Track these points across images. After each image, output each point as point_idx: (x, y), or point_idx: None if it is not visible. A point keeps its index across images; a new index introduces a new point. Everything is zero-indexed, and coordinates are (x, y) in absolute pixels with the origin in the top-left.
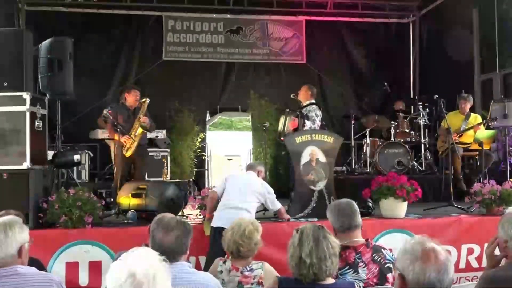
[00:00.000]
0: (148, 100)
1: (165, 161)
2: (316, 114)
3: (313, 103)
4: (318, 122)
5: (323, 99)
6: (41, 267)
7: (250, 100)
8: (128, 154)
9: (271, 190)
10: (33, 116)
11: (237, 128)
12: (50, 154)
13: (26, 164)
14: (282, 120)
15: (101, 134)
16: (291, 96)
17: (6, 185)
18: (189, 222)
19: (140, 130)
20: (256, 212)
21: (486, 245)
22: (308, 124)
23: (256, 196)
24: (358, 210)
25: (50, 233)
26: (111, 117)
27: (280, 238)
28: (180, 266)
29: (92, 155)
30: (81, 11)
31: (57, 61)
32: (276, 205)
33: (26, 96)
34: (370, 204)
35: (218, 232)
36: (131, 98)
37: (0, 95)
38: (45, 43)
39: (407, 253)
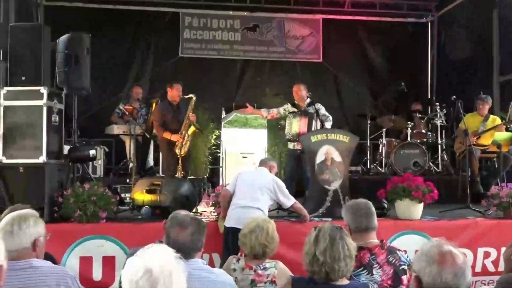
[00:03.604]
0: (194, 97)
1: (179, 158)
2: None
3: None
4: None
5: (339, 98)
6: (53, 262)
7: (266, 98)
8: (182, 153)
9: (283, 184)
10: (50, 110)
11: (252, 126)
12: (66, 148)
13: (42, 158)
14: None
15: (117, 129)
16: (307, 94)
17: (22, 178)
18: (203, 220)
19: (192, 128)
20: (270, 210)
21: (503, 249)
22: (327, 124)
23: (267, 193)
24: (375, 212)
25: (64, 228)
26: (127, 113)
27: (294, 237)
28: (194, 263)
29: (107, 150)
30: (98, 7)
31: (74, 56)
32: (289, 200)
33: (44, 90)
34: (385, 205)
35: (231, 231)
36: (174, 93)
37: (18, 89)
38: (63, 38)
39: (424, 255)
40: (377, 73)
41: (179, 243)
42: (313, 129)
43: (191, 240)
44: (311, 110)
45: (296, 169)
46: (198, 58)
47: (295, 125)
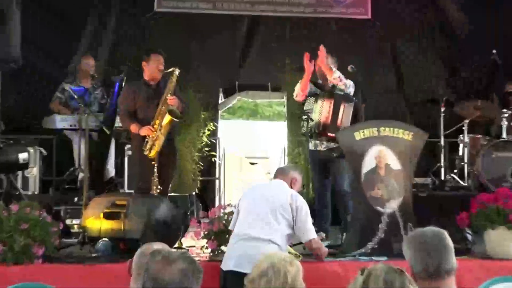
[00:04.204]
0: (177, 71)
1: (155, 164)
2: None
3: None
4: None
5: (398, 74)
6: None
7: (285, 73)
8: (152, 154)
9: (305, 207)
10: None
11: (264, 115)
12: None
13: None
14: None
15: (60, 122)
16: (349, 68)
17: None
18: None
19: (168, 118)
20: (293, 245)
21: None
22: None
23: (284, 218)
24: (451, 246)
25: None
26: (76, 96)
27: (330, 284)
28: None
29: (45, 153)
30: None
31: None
32: (308, 232)
33: None
34: (469, 237)
35: (230, 277)
36: (151, 68)
37: None
38: None
39: None
40: (455, 36)
41: (163, 282)
42: (340, 117)
43: (180, 279)
44: (338, 90)
45: (326, 181)
46: (183, 14)
47: (316, 113)
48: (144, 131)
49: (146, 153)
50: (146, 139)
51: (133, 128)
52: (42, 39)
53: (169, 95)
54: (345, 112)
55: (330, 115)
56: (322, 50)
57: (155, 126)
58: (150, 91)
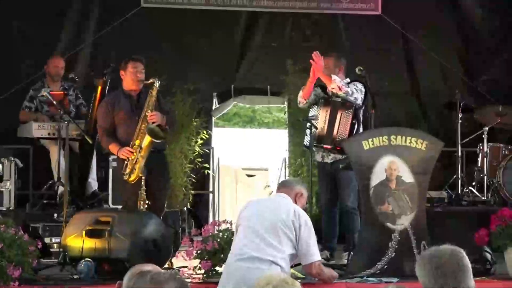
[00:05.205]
0: (157, 83)
1: (142, 177)
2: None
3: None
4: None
5: (411, 75)
6: None
7: (287, 76)
8: (132, 178)
9: (309, 223)
10: None
11: (263, 123)
12: None
13: None
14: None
15: (37, 130)
16: (357, 70)
17: None
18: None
19: (148, 139)
20: (294, 265)
21: None
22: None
23: (287, 237)
24: (469, 266)
25: None
26: (54, 102)
27: None
28: None
29: (21, 165)
30: None
31: None
32: (309, 254)
33: None
34: (489, 256)
35: None
36: (129, 78)
37: None
38: None
39: None
40: (476, 34)
41: None
42: (336, 127)
43: None
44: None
45: (334, 196)
46: (172, 10)
47: (321, 121)
48: (122, 154)
49: (125, 178)
50: (126, 161)
51: (112, 148)
52: (16, 39)
53: (149, 111)
54: (343, 121)
55: (326, 124)
56: (317, 56)
57: (134, 147)
58: (130, 103)
